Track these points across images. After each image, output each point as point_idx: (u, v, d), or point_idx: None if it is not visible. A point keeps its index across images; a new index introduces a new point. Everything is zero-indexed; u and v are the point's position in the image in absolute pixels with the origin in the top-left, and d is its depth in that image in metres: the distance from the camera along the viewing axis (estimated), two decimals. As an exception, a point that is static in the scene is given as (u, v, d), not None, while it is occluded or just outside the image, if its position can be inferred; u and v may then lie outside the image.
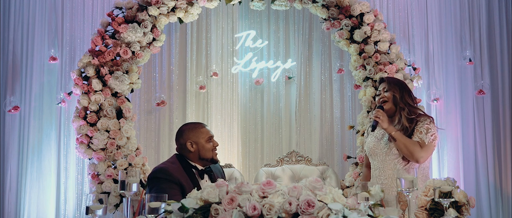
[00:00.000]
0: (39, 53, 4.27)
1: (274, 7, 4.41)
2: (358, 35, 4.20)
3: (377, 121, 2.99)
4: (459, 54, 4.51)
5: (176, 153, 3.00)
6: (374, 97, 4.16)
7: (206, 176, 2.95)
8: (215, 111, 4.52)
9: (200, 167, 2.94)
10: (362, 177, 3.34)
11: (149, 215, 1.97)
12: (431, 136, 2.93)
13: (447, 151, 4.43)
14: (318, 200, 1.79)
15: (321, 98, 4.60)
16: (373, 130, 3.06)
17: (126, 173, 2.27)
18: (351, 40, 4.28)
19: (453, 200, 2.19)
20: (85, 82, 4.02)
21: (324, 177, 3.99)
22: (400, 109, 3.02)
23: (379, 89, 3.13)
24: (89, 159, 4.03)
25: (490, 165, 4.37)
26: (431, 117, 3.03)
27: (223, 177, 3.10)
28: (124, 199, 2.48)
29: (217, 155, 3.00)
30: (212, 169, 3.00)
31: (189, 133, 2.94)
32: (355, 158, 4.26)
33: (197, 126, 2.99)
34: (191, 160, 2.93)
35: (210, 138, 2.96)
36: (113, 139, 3.99)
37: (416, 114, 3.01)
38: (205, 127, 3.00)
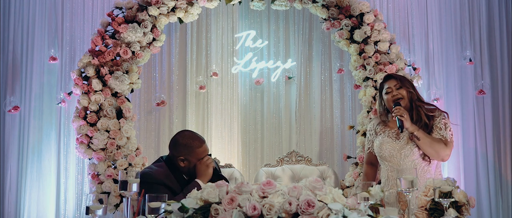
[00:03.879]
0: (39, 53, 4.27)
1: (274, 7, 4.41)
2: (358, 35, 4.20)
3: (401, 119, 2.79)
4: (459, 54, 4.51)
5: (166, 157, 2.85)
6: (374, 97, 4.16)
7: None
8: (215, 110, 4.52)
9: (187, 178, 2.83)
10: (364, 175, 3.20)
11: (149, 215, 1.97)
12: (450, 131, 2.85)
13: (447, 151, 4.43)
14: (318, 200, 1.79)
15: (321, 98, 4.60)
16: (402, 131, 2.83)
17: (126, 173, 2.26)
18: (351, 40, 4.28)
19: (453, 200, 2.19)
20: (85, 82, 4.02)
21: (324, 177, 3.98)
22: (416, 106, 2.90)
23: (387, 86, 2.97)
24: (89, 159, 4.03)
25: (490, 165, 4.37)
26: (446, 112, 2.94)
27: (218, 171, 2.98)
28: (124, 199, 2.48)
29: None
30: None
31: (183, 149, 2.75)
32: (355, 158, 4.26)
33: (193, 145, 2.75)
34: (181, 172, 2.81)
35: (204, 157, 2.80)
36: (113, 139, 3.99)
37: (432, 110, 2.92)
38: (202, 146, 2.78)
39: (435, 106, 3.00)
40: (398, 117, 2.81)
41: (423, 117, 2.87)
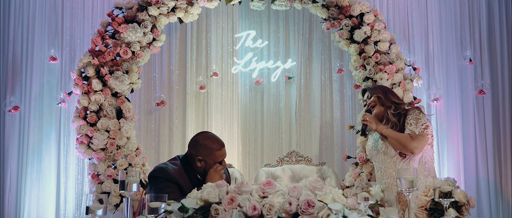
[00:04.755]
0: (39, 53, 4.27)
1: (274, 7, 4.41)
2: (358, 35, 4.20)
3: (365, 123, 3.05)
4: (459, 54, 4.51)
5: (183, 157, 2.90)
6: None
7: None
8: (215, 110, 4.52)
9: (201, 178, 2.88)
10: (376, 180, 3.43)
11: (149, 215, 1.97)
12: (422, 125, 2.95)
13: (447, 151, 4.43)
14: (318, 200, 1.79)
15: (321, 98, 4.60)
16: (362, 134, 3.15)
17: (126, 173, 2.27)
18: (351, 40, 4.28)
19: (453, 200, 2.19)
20: (85, 82, 4.02)
21: (324, 177, 3.98)
22: (386, 107, 3.08)
23: (363, 100, 3.23)
24: (89, 159, 4.03)
25: (490, 165, 4.37)
26: (419, 108, 3.07)
27: (228, 179, 3.06)
28: (124, 199, 2.48)
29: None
30: None
31: (203, 150, 2.79)
32: (355, 158, 4.26)
33: (212, 147, 2.81)
34: (196, 172, 2.86)
35: (221, 161, 2.86)
36: (113, 139, 3.99)
37: (402, 109, 3.07)
38: (221, 150, 2.83)
39: (407, 106, 3.16)
40: (362, 121, 3.08)
41: (391, 116, 3.04)
